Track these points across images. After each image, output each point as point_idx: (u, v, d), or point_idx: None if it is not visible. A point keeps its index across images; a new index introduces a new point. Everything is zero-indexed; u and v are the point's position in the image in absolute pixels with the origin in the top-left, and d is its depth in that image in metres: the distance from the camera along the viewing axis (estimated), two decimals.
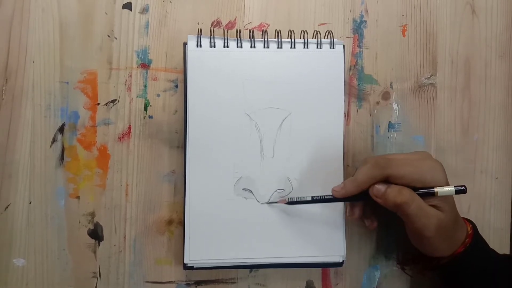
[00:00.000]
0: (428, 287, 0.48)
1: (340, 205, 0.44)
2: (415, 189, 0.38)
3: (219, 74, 0.43)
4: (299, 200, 0.42)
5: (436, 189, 0.38)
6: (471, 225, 0.43)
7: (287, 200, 0.42)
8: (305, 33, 0.44)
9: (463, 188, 0.38)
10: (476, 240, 0.41)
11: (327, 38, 0.45)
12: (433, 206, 0.39)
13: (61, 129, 0.45)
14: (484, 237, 0.43)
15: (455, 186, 0.38)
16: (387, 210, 0.39)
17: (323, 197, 0.42)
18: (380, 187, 0.39)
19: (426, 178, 0.38)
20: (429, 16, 0.48)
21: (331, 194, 0.41)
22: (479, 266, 0.41)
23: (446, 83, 0.48)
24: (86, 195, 0.45)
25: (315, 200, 0.42)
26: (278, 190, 0.44)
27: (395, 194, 0.38)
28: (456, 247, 0.41)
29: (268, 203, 0.43)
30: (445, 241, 0.40)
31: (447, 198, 0.39)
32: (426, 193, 0.38)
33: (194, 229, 0.43)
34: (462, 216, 0.42)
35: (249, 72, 0.43)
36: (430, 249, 0.41)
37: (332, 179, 0.44)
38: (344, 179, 0.44)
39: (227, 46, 0.43)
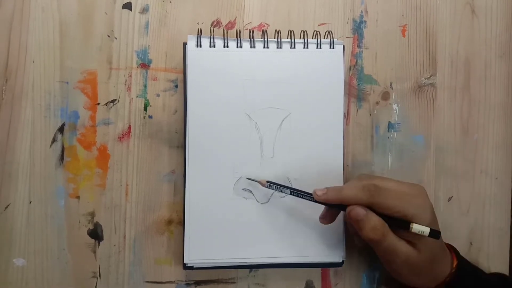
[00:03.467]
0: None
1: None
2: (393, 218, 0.38)
3: (219, 74, 0.43)
4: (278, 187, 0.41)
5: (412, 225, 0.37)
6: (454, 255, 0.42)
7: (266, 184, 0.41)
8: (305, 33, 0.44)
9: (437, 232, 0.38)
10: (461, 271, 0.41)
11: (327, 38, 0.45)
12: (408, 241, 0.38)
13: (61, 129, 0.45)
14: (484, 237, 0.43)
15: (431, 229, 0.37)
16: None
17: (302, 194, 0.41)
18: (359, 213, 0.38)
19: (410, 214, 0.37)
20: (429, 16, 0.48)
21: (311, 193, 0.40)
22: None
23: (446, 83, 0.48)
24: (86, 195, 0.45)
25: (292, 193, 0.41)
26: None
27: (369, 228, 0.37)
28: (438, 281, 0.41)
29: (247, 178, 0.43)
30: (419, 277, 0.40)
31: (425, 238, 0.38)
32: (401, 226, 0.38)
33: (194, 229, 0.43)
34: (461, 216, 0.42)
35: (249, 72, 0.43)
36: (405, 282, 0.41)
37: (332, 179, 0.44)
38: (344, 179, 0.44)
39: (227, 46, 0.43)
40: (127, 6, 0.45)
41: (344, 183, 0.44)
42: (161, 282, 0.46)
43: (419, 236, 0.38)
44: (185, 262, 0.43)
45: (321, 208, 0.43)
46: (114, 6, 0.45)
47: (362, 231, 0.38)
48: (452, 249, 0.43)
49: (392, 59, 0.48)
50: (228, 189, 0.43)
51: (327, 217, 0.41)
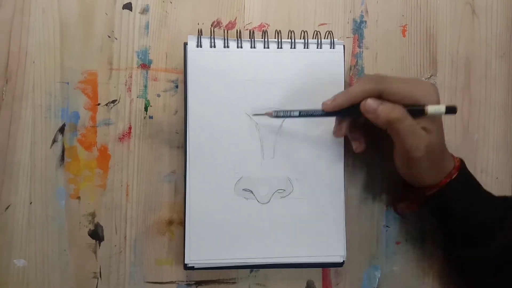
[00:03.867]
0: (428, 286, 0.48)
1: (340, 205, 0.44)
2: (406, 106, 0.38)
3: (219, 75, 0.43)
4: (286, 114, 0.41)
5: (426, 107, 0.37)
6: (459, 159, 0.42)
7: (273, 113, 0.41)
8: (305, 33, 0.44)
9: (454, 107, 0.38)
10: (463, 173, 0.41)
11: (327, 38, 0.45)
12: (422, 128, 0.38)
13: (62, 130, 0.45)
14: None
15: (447, 106, 0.37)
16: (376, 131, 0.39)
17: (312, 112, 0.41)
18: (373, 102, 0.38)
19: (419, 96, 0.38)
20: (429, 16, 0.48)
21: (320, 109, 0.40)
22: (466, 199, 0.41)
23: (446, 83, 0.48)
24: (86, 196, 0.45)
25: (302, 115, 0.41)
26: (278, 190, 0.44)
27: (388, 110, 0.37)
28: (443, 176, 0.40)
29: (254, 114, 0.43)
30: (432, 166, 0.39)
31: (436, 120, 0.39)
32: (417, 112, 0.37)
33: (195, 229, 0.43)
34: None
35: (250, 72, 0.43)
36: (417, 175, 0.40)
37: (332, 179, 0.44)
38: (344, 180, 0.44)
39: (227, 47, 0.43)
40: (127, 6, 0.45)
41: (344, 183, 0.44)
42: (162, 283, 0.46)
43: (432, 120, 0.38)
44: (186, 262, 0.43)
45: (320, 206, 0.43)
46: (114, 6, 0.45)
47: (380, 117, 0.37)
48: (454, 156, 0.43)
49: (392, 59, 0.48)
50: (229, 189, 0.43)
51: (341, 129, 0.42)
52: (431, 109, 0.37)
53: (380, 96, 0.38)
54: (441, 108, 0.37)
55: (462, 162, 0.42)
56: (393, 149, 0.40)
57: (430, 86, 0.39)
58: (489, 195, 0.42)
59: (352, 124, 0.42)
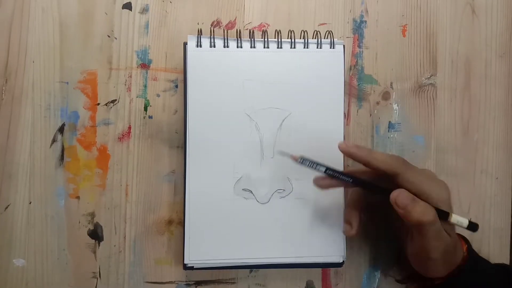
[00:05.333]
0: None
1: (340, 206, 0.44)
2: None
3: (219, 74, 0.43)
4: (312, 165, 0.39)
5: (451, 215, 0.37)
6: (466, 245, 0.42)
7: (299, 159, 0.39)
8: (305, 33, 0.44)
9: (476, 225, 0.38)
10: (471, 261, 0.41)
11: (327, 38, 0.45)
12: (445, 230, 0.38)
13: (61, 129, 0.45)
14: (484, 237, 0.43)
15: (469, 221, 0.37)
16: (382, 218, 0.39)
17: (338, 175, 0.38)
18: (406, 197, 0.36)
19: (432, 193, 0.37)
20: (429, 16, 0.48)
21: (342, 170, 0.39)
22: (474, 284, 0.41)
23: (446, 83, 0.48)
24: (86, 195, 0.45)
25: (329, 174, 0.39)
26: (278, 190, 0.43)
27: (422, 212, 0.36)
28: (452, 268, 0.40)
29: (279, 152, 0.41)
30: (444, 264, 0.39)
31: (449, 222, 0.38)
32: (440, 215, 0.37)
33: (194, 229, 0.43)
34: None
35: (249, 72, 0.43)
36: (429, 270, 0.40)
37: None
38: None
39: (227, 46, 0.43)
40: (127, 6, 0.45)
41: None
42: (161, 283, 0.45)
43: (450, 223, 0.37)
44: (185, 262, 0.43)
45: (320, 206, 0.43)
46: (114, 6, 0.45)
47: (411, 216, 0.36)
48: (459, 235, 0.43)
49: (392, 59, 0.48)
50: (229, 189, 0.43)
51: (327, 182, 0.40)
52: (454, 218, 0.37)
53: (395, 177, 0.38)
54: (464, 222, 0.37)
55: (469, 247, 0.42)
56: (410, 242, 0.40)
57: (444, 186, 0.38)
58: (493, 267, 0.43)
59: (355, 200, 0.42)
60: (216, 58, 0.43)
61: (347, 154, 0.39)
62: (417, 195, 0.37)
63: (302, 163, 0.39)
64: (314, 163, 0.39)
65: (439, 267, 0.39)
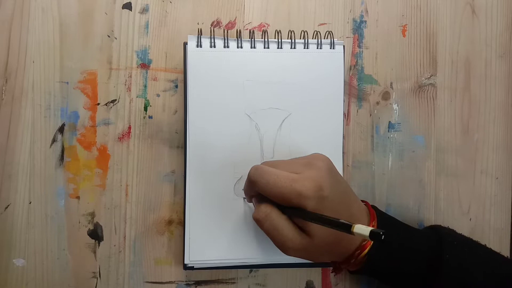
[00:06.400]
0: None
1: None
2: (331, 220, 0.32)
3: (219, 75, 0.43)
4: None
5: (353, 227, 0.29)
6: (373, 218, 0.39)
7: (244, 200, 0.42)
8: (305, 33, 0.44)
9: (378, 235, 0.28)
10: (373, 246, 0.38)
11: (327, 38, 0.45)
12: (301, 228, 0.36)
13: (61, 129, 0.45)
14: (484, 237, 0.43)
15: (371, 231, 0.28)
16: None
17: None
18: (254, 201, 0.38)
19: (292, 198, 0.34)
20: (429, 16, 0.48)
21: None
22: (391, 259, 0.39)
23: (446, 83, 0.48)
24: (86, 195, 0.45)
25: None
26: None
27: (256, 210, 0.37)
28: (345, 255, 0.38)
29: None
30: (320, 256, 0.38)
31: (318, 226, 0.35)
32: (342, 227, 0.31)
33: (194, 229, 0.43)
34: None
35: (249, 72, 0.43)
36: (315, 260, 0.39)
37: None
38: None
39: (227, 47, 0.43)
40: (127, 6, 0.45)
41: None
42: (161, 283, 0.45)
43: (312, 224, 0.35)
44: (185, 262, 0.43)
45: None
46: (114, 6, 0.45)
47: (254, 216, 0.37)
48: (371, 210, 0.40)
49: (392, 59, 0.48)
50: (229, 189, 0.43)
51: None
52: (357, 229, 0.29)
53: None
54: (365, 233, 0.29)
55: (378, 215, 0.40)
56: None
57: (311, 180, 0.35)
58: (410, 232, 0.41)
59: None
60: (216, 58, 0.43)
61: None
62: (280, 202, 0.36)
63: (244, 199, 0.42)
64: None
65: (320, 258, 0.38)
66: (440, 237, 0.40)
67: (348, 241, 0.38)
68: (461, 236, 0.42)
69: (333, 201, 0.35)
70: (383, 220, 0.41)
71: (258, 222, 0.37)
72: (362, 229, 0.29)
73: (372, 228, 0.29)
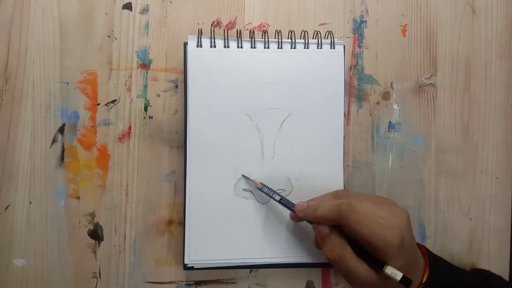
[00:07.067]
0: None
1: None
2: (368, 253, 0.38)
3: (220, 75, 0.43)
4: (268, 192, 0.42)
5: (386, 267, 0.37)
6: (428, 264, 0.41)
7: (259, 185, 0.42)
8: (306, 33, 0.44)
9: (409, 281, 0.36)
10: (433, 277, 0.40)
11: (327, 38, 0.45)
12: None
13: (61, 130, 0.45)
14: (484, 237, 0.43)
15: (403, 276, 0.36)
16: None
17: (288, 204, 0.41)
18: (322, 231, 0.39)
19: (376, 247, 0.37)
20: (429, 16, 0.48)
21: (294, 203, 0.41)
22: None
23: (446, 83, 0.48)
24: (86, 196, 0.45)
25: (281, 202, 0.41)
26: (278, 190, 0.43)
27: (328, 249, 0.38)
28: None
29: (243, 175, 0.43)
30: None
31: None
32: (375, 262, 0.37)
33: (194, 229, 0.43)
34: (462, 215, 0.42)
35: (250, 72, 0.43)
36: None
37: (332, 179, 0.44)
38: (344, 180, 0.44)
39: (228, 47, 0.43)
40: (127, 6, 0.45)
41: (344, 184, 0.44)
42: (162, 283, 0.45)
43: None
44: (185, 262, 0.43)
45: None
46: (114, 6, 0.45)
47: (323, 248, 0.39)
48: (426, 254, 0.42)
49: (392, 59, 0.48)
50: (229, 189, 0.43)
51: (296, 218, 0.42)
52: (389, 270, 0.36)
53: (342, 226, 0.38)
54: (398, 274, 0.36)
55: (430, 265, 0.41)
56: None
57: (395, 239, 0.37)
58: (464, 276, 0.43)
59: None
60: (216, 58, 0.43)
61: (299, 220, 0.42)
62: (363, 243, 0.37)
63: (261, 189, 0.42)
64: (272, 191, 0.42)
65: None
66: (489, 285, 0.42)
67: (416, 276, 0.40)
68: (509, 285, 0.44)
69: (408, 249, 0.38)
70: (435, 261, 0.42)
71: (334, 262, 0.38)
72: (393, 271, 0.36)
73: (403, 274, 0.36)
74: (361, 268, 0.38)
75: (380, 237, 0.37)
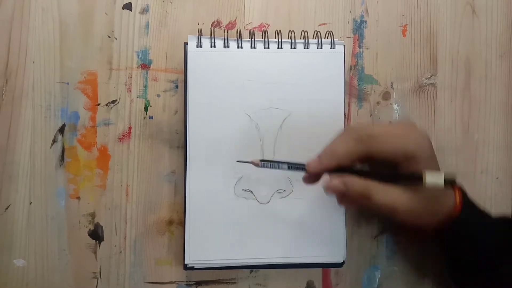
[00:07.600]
0: (428, 286, 0.48)
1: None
2: (397, 168, 0.36)
3: (220, 75, 0.43)
4: (272, 165, 0.39)
5: (424, 179, 0.34)
6: (460, 191, 0.39)
7: (260, 164, 0.39)
8: (306, 33, 0.44)
9: (453, 180, 0.34)
10: (464, 212, 0.39)
11: (327, 38, 0.45)
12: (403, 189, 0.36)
13: (61, 130, 0.45)
14: None
15: (445, 176, 0.34)
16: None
17: (299, 166, 0.38)
18: (337, 186, 0.36)
19: (411, 152, 0.35)
20: (429, 16, 0.48)
21: (303, 163, 0.38)
22: (472, 233, 0.39)
23: (446, 83, 0.48)
24: (86, 196, 0.45)
25: (290, 168, 0.39)
26: (278, 191, 0.43)
27: (354, 194, 0.36)
28: (439, 217, 0.38)
29: (238, 161, 0.41)
30: (421, 219, 0.37)
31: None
32: (412, 181, 0.35)
33: (195, 229, 0.43)
34: None
35: (250, 72, 0.43)
36: (406, 224, 0.38)
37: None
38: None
39: (228, 47, 0.43)
40: (127, 6, 0.45)
41: None
42: (162, 283, 0.45)
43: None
44: (186, 262, 0.43)
45: (321, 207, 0.43)
46: (114, 6, 0.45)
47: (348, 197, 0.36)
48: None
49: (392, 59, 0.48)
50: (229, 189, 0.43)
51: (312, 178, 0.39)
52: (429, 180, 0.34)
53: (368, 157, 0.36)
54: (439, 180, 0.34)
55: (464, 197, 0.39)
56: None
57: (423, 138, 0.37)
58: (493, 222, 0.41)
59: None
60: (216, 58, 0.43)
61: (319, 173, 0.38)
62: (396, 161, 0.36)
63: (264, 166, 0.39)
64: (276, 162, 0.39)
65: (422, 220, 0.38)
66: None
67: (447, 199, 0.38)
68: None
69: (436, 161, 0.37)
70: (466, 194, 0.40)
71: (364, 198, 0.35)
72: (433, 179, 0.34)
73: (444, 173, 0.34)
74: (395, 193, 0.36)
75: (410, 141, 0.36)
